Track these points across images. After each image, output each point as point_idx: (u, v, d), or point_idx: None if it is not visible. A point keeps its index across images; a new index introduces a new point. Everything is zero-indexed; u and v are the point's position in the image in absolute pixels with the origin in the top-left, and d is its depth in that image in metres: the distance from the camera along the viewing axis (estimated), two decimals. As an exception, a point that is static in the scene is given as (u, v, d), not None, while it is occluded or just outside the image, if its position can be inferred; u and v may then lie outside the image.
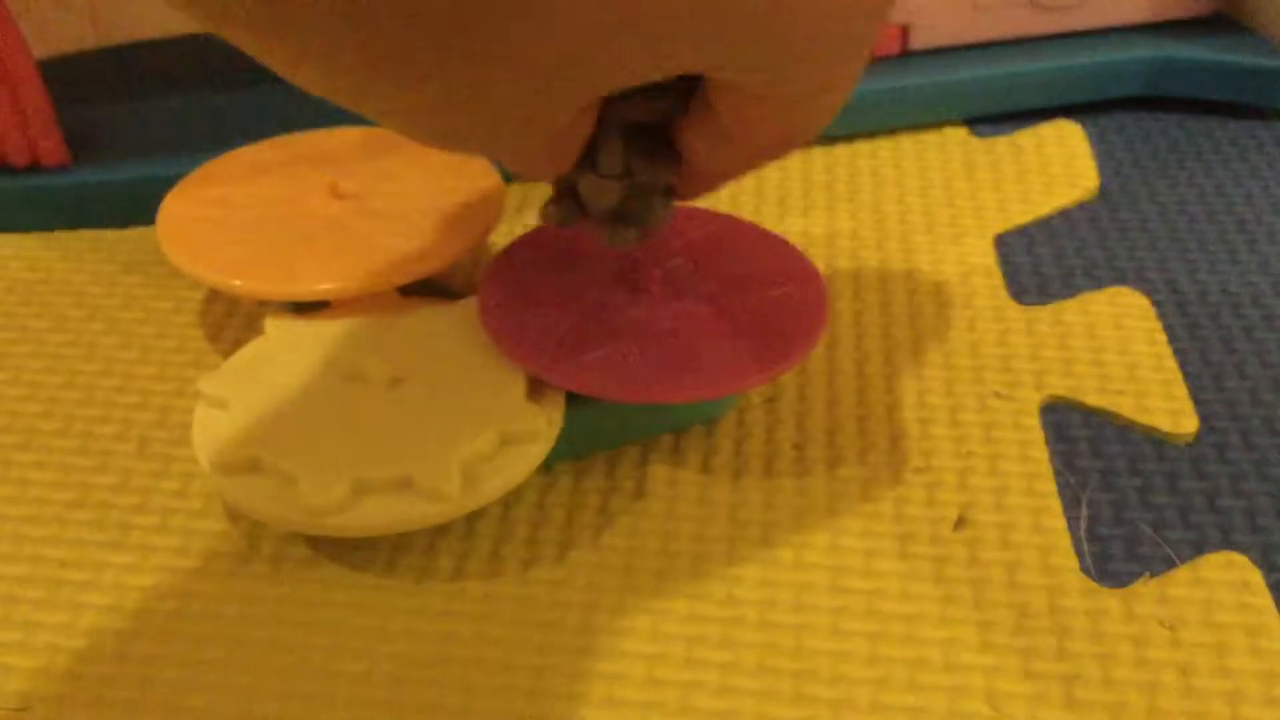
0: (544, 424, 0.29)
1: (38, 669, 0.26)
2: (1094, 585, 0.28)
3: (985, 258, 0.38)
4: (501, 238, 0.35)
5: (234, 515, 0.30)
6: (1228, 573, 0.28)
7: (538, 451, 0.28)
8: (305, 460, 0.27)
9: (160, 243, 0.33)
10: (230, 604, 0.28)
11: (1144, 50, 0.44)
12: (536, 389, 0.29)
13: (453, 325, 0.31)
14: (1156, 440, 0.32)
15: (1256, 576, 0.28)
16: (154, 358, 0.34)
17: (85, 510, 0.30)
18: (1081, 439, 0.32)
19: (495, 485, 0.28)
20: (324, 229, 0.33)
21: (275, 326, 0.31)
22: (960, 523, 0.30)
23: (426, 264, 0.32)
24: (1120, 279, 0.37)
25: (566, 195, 0.28)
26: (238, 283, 0.31)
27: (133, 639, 0.27)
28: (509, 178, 0.39)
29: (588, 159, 0.27)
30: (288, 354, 0.30)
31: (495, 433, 0.28)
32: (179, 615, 0.28)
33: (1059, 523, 0.30)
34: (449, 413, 0.29)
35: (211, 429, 0.29)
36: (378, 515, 0.27)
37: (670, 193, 0.29)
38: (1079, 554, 0.29)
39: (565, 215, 0.28)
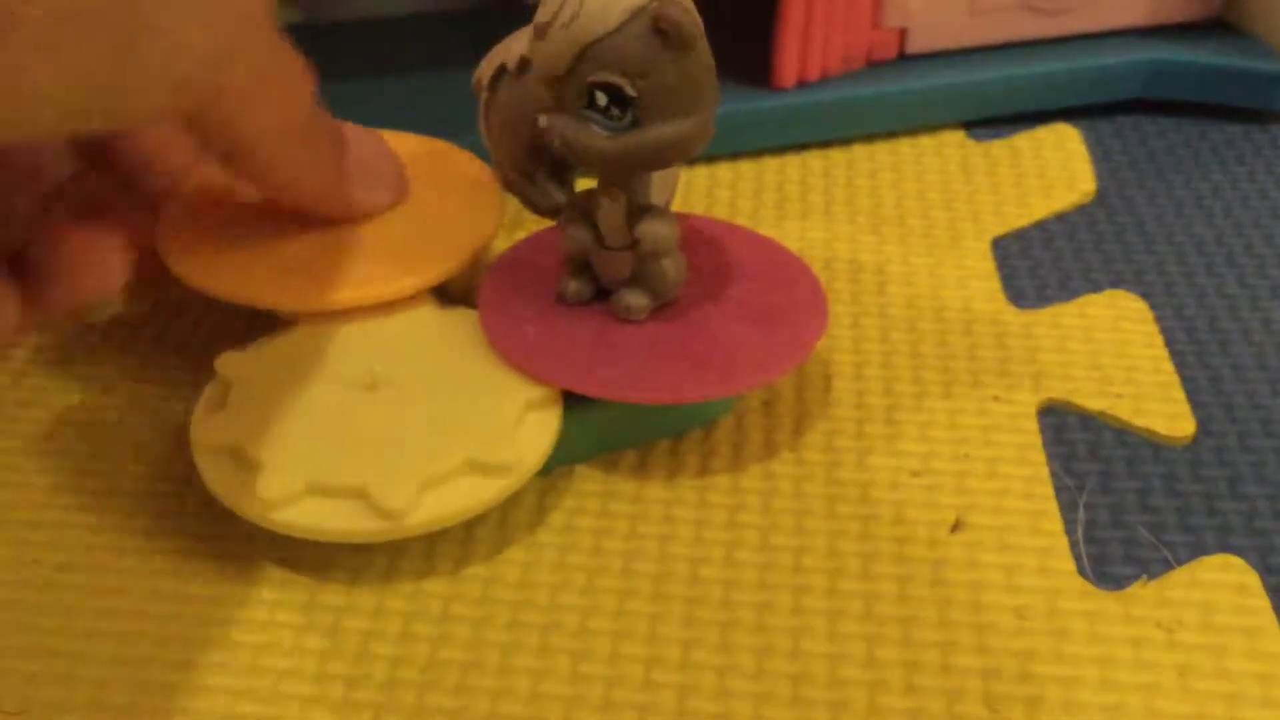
0: (518, 459, 0.28)
1: (35, 673, 0.26)
2: (1092, 588, 0.28)
3: (983, 261, 0.38)
4: (501, 242, 0.35)
5: (233, 519, 0.29)
6: (1225, 575, 0.28)
7: (504, 486, 0.28)
8: (274, 453, 0.28)
9: (162, 253, 0.33)
10: (227, 608, 0.28)
11: (1141, 54, 0.44)
12: (527, 418, 0.29)
13: (459, 333, 0.31)
14: (1154, 443, 0.32)
15: (1254, 579, 0.28)
16: (152, 361, 0.34)
17: (86, 515, 0.30)
18: (1079, 442, 0.32)
19: (450, 512, 0.27)
20: (323, 238, 0.33)
21: (305, 323, 0.31)
22: (958, 525, 0.30)
23: (428, 274, 0.32)
24: (1117, 282, 0.37)
25: (582, 270, 0.30)
26: (238, 294, 0.31)
27: (130, 642, 0.27)
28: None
29: (596, 233, 0.29)
30: (301, 350, 0.30)
31: (466, 459, 0.28)
32: (175, 619, 0.28)
33: (1057, 525, 0.30)
34: (428, 429, 0.28)
35: (210, 407, 0.29)
36: (318, 521, 0.27)
37: (680, 257, 0.30)
38: (1077, 557, 0.29)
39: (582, 289, 0.31)
